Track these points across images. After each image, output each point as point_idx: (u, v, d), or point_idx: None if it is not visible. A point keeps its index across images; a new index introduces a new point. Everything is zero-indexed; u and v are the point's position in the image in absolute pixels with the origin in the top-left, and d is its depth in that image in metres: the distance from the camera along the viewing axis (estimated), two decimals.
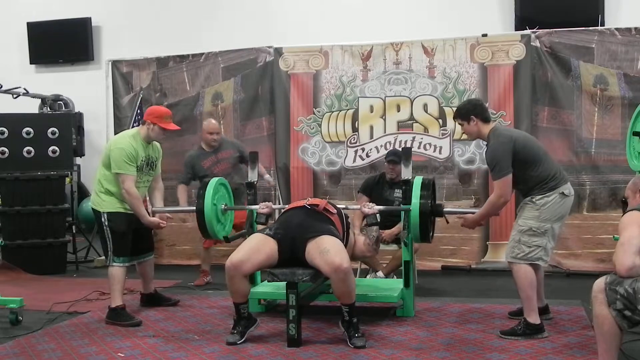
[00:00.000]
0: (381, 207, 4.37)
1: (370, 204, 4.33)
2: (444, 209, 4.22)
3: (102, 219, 4.38)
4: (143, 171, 4.47)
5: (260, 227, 4.29)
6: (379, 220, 4.27)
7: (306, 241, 3.80)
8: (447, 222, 4.62)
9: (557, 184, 3.84)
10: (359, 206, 4.40)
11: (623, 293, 2.70)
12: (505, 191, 3.81)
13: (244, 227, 4.74)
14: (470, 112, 3.95)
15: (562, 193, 3.83)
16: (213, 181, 4.40)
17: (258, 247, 3.84)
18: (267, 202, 4.43)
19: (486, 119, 3.96)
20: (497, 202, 3.85)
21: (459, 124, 4.06)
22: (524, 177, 3.84)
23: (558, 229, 3.93)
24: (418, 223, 3.98)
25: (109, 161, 4.37)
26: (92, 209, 4.48)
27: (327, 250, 3.68)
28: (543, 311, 4.11)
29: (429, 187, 4.05)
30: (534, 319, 3.81)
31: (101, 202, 4.40)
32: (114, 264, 4.39)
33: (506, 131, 4.07)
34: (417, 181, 4.08)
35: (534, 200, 3.85)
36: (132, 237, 4.47)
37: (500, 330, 3.88)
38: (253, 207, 4.45)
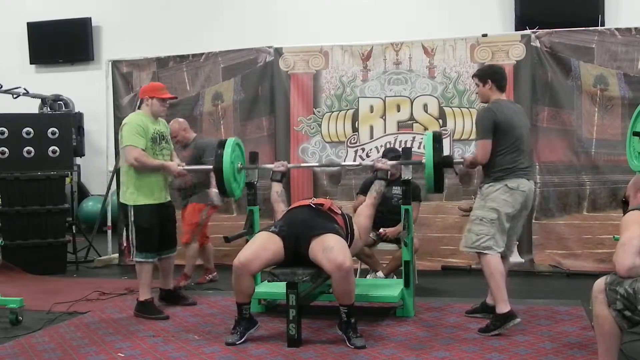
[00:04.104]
0: (394, 162, 4.56)
1: (384, 159, 4.55)
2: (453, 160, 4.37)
3: (130, 213, 4.46)
4: (158, 143, 4.56)
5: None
6: (388, 177, 4.49)
7: (310, 238, 3.81)
8: (457, 174, 4.88)
9: (505, 176, 3.94)
10: (371, 163, 4.56)
11: (623, 293, 2.70)
12: (480, 154, 3.99)
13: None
14: (489, 76, 4.13)
15: (507, 185, 3.93)
16: (230, 140, 4.47)
17: (264, 244, 3.85)
18: (282, 161, 4.64)
19: (501, 88, 4.11)
20: (475, 161, 4.09)
21: (476, 83, 4.22)
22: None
23: (509, 222, 3.97)
24: (432, 173, 4.09)
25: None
26: (121, 203, 4.60)
27: (330, 248, 3.69)
28: (488, 309, 4.16)
29: (440, 140, 4.18)
30: (501, 308, 3.87)
31: (129, 195, 4.48)
32: (136, 259, 4.49)
33: (502, 106, 4.05)
34: (429, 136, 4.19)
35: (481, 188, 4.05)
36: (158, 232, 4.52)
37: (479, 329, 3.94)
38: (269, 165, 4.66)
